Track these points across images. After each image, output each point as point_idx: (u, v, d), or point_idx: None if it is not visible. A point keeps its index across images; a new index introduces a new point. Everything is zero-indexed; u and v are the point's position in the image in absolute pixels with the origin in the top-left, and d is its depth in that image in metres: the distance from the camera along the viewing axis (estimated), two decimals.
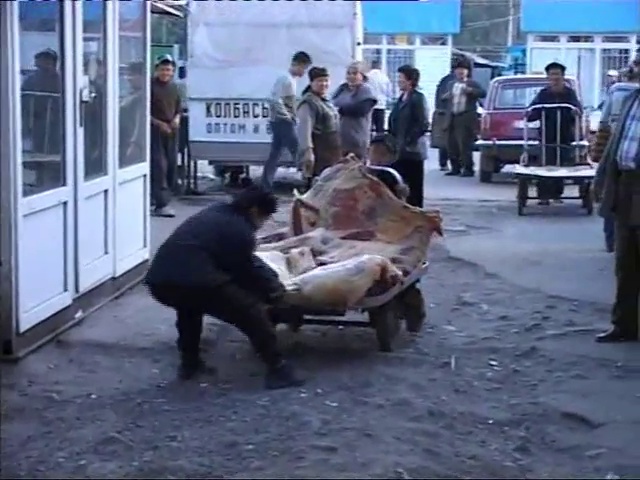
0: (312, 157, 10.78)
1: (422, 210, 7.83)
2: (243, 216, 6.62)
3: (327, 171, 8.27)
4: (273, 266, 6.80)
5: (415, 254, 7.55)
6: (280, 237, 7.91)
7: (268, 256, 6.98)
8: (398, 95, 13.43)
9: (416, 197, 8.23)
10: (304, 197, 8.10)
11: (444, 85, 20.04)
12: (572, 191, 14.38)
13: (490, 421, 5.90)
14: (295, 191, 8.39)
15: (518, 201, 13.99)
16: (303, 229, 7.87)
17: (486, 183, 17.73)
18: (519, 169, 14.27)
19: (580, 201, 14.05)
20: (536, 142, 14.43)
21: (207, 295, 6.30)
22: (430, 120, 20.35)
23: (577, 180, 14.04)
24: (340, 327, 7.69)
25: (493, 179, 17.85)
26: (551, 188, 14.49)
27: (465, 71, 19.39)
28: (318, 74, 11.13)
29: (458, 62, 21.58)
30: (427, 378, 6.64)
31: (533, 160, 14.34)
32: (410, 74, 12.63)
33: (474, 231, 12.74)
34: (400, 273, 7.14)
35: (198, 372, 6.64)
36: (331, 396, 6.19)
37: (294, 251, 7.38)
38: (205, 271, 6.28)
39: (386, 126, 15.38)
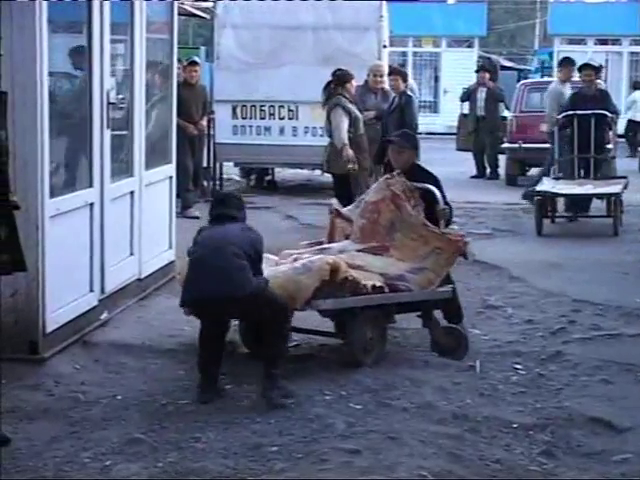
0: (350, 152, 10.75)
1: (445, 231, 7.29)
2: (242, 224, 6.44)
3: (374, 184, 7.99)
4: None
5: (426, 276, 7.09)
6: (319, 244, 7.75)
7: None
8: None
9: None
10: (345, 209, 7.92)
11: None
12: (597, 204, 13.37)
13: (515, 425, 5.88)
14: (334, 200, 8.21)
15: (536, 221, 12.56)
16: (337, 239, 7.70)
17: (512, 186, 17.66)
18: (545, 185, 12.91)
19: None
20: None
21: (254, 301, 6.08)
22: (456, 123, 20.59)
23: (603, 196, 12.74)
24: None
25: (519, 182, 17.77)
26: (579, 203, 13.18)
27: (487, 75, 19.60)
28: (351, 78, 11.13)
29: (481, 66, 21.70)
30: (452, 381, 6.62)
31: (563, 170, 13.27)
32: (405, 76, 12.51)
33: (499, 234, 12.71)
34: (369, 283, 6.74)
35: (216, 396, 6.24)
36: (355, 399, 6.18)
37: (284, 252, 7.13)
38: (249, 277, 6.07)
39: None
